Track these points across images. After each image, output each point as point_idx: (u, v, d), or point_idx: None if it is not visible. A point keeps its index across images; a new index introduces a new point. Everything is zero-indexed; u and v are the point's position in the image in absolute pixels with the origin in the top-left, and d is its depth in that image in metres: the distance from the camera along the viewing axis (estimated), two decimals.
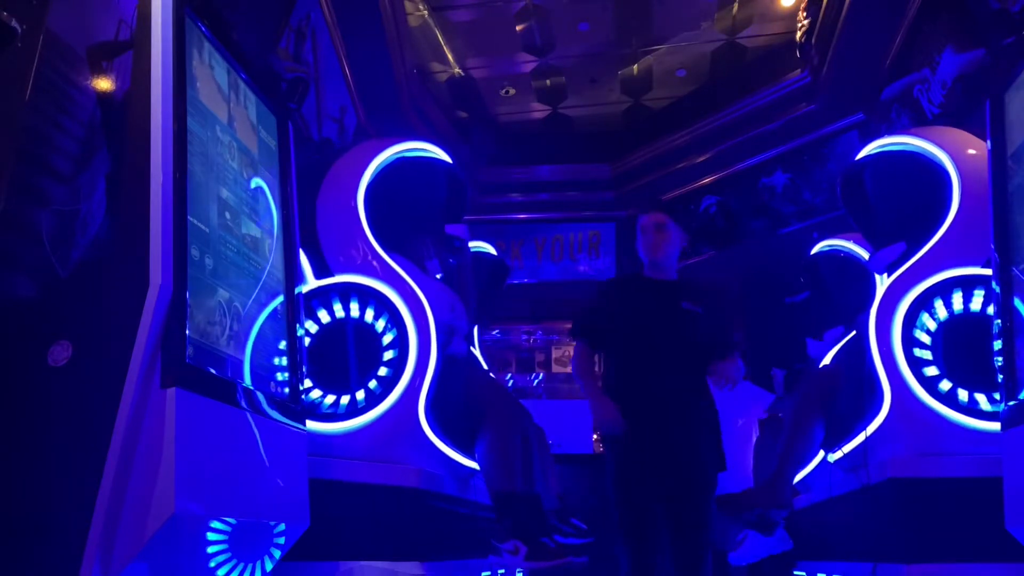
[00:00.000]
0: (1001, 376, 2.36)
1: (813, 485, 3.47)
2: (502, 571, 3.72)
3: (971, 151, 3.22)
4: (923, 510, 2.73)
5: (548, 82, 7.16)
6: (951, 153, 3.20)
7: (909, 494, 2.77)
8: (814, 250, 4.29)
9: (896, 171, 3.42)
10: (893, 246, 3.41)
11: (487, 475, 3.16)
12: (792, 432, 3.27)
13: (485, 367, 4.01)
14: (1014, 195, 2.41)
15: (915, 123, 4.66)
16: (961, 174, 3.13)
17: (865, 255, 3.88)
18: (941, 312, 2.96)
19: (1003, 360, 2.35)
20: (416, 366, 2.96)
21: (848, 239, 4.09)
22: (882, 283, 3.61)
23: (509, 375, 8.96)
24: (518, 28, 6.39)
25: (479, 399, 3.26)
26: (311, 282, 3.09)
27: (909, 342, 2.93)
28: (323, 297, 3.04)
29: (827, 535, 3.46)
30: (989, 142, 2.55)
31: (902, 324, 2.96)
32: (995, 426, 2.68)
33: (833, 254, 4.17)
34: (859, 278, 3.82)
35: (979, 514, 2.50)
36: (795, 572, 3.89)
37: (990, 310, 2.88)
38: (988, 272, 2.93)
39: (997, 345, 2.38)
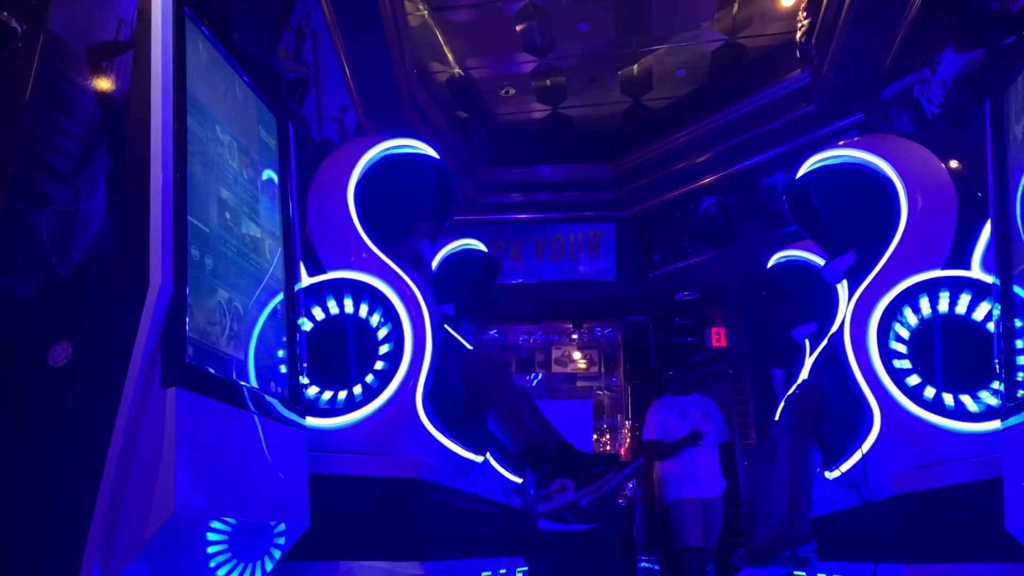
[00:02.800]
0: (1001, 376, 2.36)
1: (814, 501, 3.48)
2: (503, 571, 3.72)
3: (911, 156, 3.24)
4: (927, 522, 2.72)
5: (548, 82, 7.16)
6: (891, 160, 3.21)
7: (913, 508, 2.77)
8: (770, 263, 4.33)
9: (840, 183, 3.44)
10: (844, 256, 3.43)
11: (508, 438, 3.17)
12: (793, 464, 3.28)
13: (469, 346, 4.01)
14: (1014, 196, 2.41)
15: (915, 123, 4.66)
16: (904, 180, 3.15)
17: (820, 261, 3.91)
18: (912, 319, 2.97)
19: (1003, 359, 2.35)
20: (412, 358, 2.96)
21: (802, 248, 4.13)
22: (843, 292, 3.63)
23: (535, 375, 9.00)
24: (518, 28, 6.39)
25: (476, 382, 3.26)
26: (304, 279, 3.09)
27: (887, 354, 2.92)
28: (317, 294, 3.04)
29: (829, 542, 3.47)
30: (989, 142, 2.55)
31: (877, 337, 2.95)
32: (985, 426, 2.69)
33: (790, 264, 4.21)
34: (819, 285, 3.86)
35: (980, 516, 2.50)
36: (795, 572, 3.89)
37: (959, 309, 2.90)
38: (950, 273, 2.95)
39: (997, 344, 2.38)
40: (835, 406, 3.26)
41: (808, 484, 3.28)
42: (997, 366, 2.38)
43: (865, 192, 3.31)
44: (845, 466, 3.16)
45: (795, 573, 3.82)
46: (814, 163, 3.54)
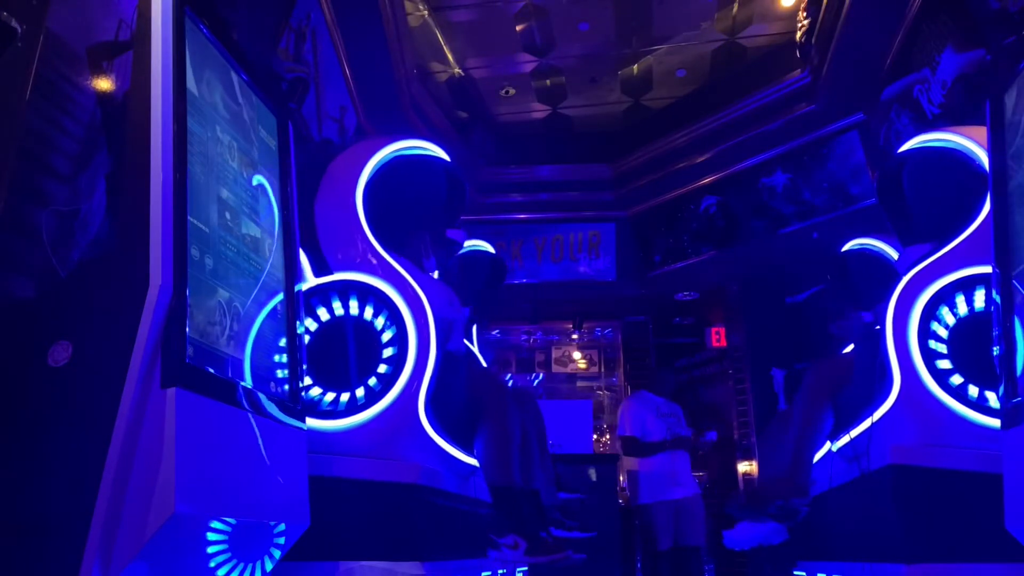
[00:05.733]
0: (1000, 375, 2.36)
1: (816, 477, 3.47)
2: (503, 571, 3.72)
3: None
4: (921, 499, 2.72)
5: (548, 82, 7.16)
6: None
7: (908, 482, 2.77)
8: (845, 247, 4.29)
9: (935, 168, 3.39)
10: (919, 245, 3.38)
11: (485, 470, 3.17)
12: (804, 421, 3.28)
13: (484, 364, 4.01)
14: (1013, 195, 2.41)
15: (915, 123, 4.66)
16: None
17: (894, 255, 3.88)
18: (961, 308, 2.95)
19: (1002, 359, 2.35)
20: (415, 363, 2.96)
21: (879, 239, 4.10)
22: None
23: (509, 375, 8.98)
24: (518, 28, 6.39)
25: (477, 395, 3.26)
26: (310, 280, 3.09)
27: (925, 333, 2.92)
28: (322, 295, 3.04)
29: (827, 529, 3.46)
30: (989, 142, 2.55)
31: (920, 315, 2.94)
32: (997, 423, 2.68)
33: (863, 252, 4.17)
34: (886, 278, 3.83)
35: (980, 510, 2.50)
36: (795, 572, 3.89)
37: None
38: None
39: (996, 349, 2.38)
40: (860, 378, 3.24)
41: (813, 443, 3.27)
42: (997, 364, 2.38)
43: (955, 180, 3.25)
44: (853, 433, 3.14)
45: (795, 574, 3.81)
46: (916, 143, 3.48)
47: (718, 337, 8.20)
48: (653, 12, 6.24)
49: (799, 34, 5.84)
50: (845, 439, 3.21)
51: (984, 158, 3.15)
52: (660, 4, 6.15)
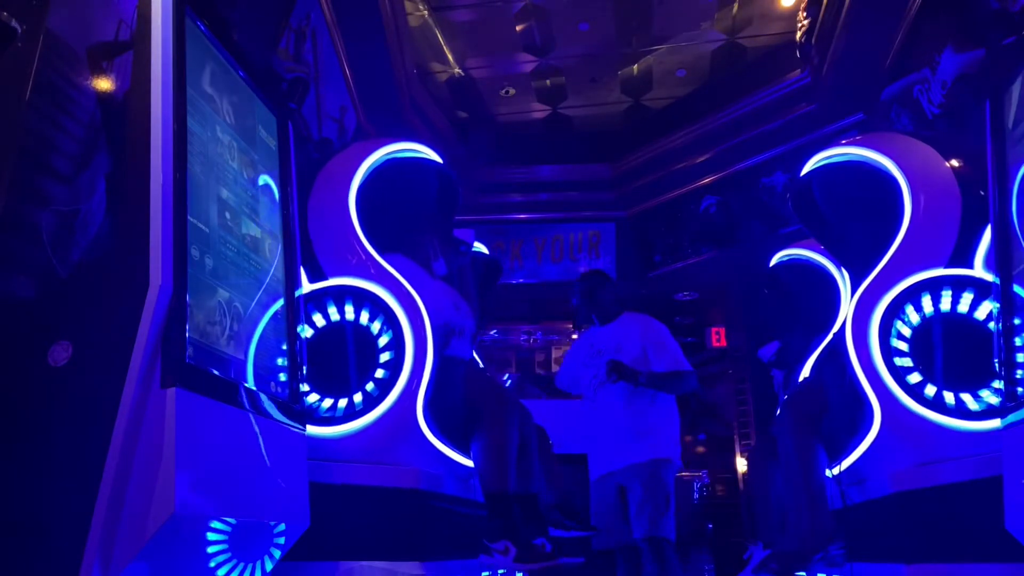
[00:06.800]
0: (1001, 374, 2.36)
1: None
2: (503, 571, 3.72)
3: (915, 154, 3.24)
4: (927, 519, 2.71)
5: (548, 82, 7.16)
6: (895, 158, 3.21)
7: (912, 506, 2.76)
8: (773, 261, 4.32)
9: (844, 181, 3.44)
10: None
11: (481, 476, 3.16)
12: (805, 468, 3.24)
13: (481, 366, 4.01)
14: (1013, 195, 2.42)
15: (915, 123, 4.66)
16: (908, 178, 3.15)
17: (824, 261, 3.92)
18: (914, 317, 2.96)
19: (1003, 358, 2.35)
20: (413, 367, 2.95)
21: (805, 247, 4.13)
22: (845, 289, 3.66)
23: (507, 375, 8.96)
24: (518, 28, 6.39)
25: (476, 399, 3.26)
26: (305, 285, 3.08)
27: (888, 352, 2.92)
28: (317, 300, 3.02)
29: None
30: (989, 142, 2.55)
31: (878, 335, 2.95)
32: (985, 425, 2.69)
33: (792, 263, 4.21)
34: (821, 284, 3.86)
35: (980, 515, 2.50)
36: (796, 572, 3.89)
37: (961, 308, 2.91)
38: (952, 272, 2.96)
39: (998, 343, 2.38)
40: (836, 403, 3.25)
41: (822, 483, 3.26)
42: (997, 364, 2.38)
43: (869, 190, 3.30)
44: (846, 463, 3.15)
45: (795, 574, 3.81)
46: (819, 161, 3.53)
47: (718, 337, 8.20)
48: (653, 12, 6.24)
49: (799, 34, 5.84)
50: (837, 469, 3.22)
51: (890, 165, 3.20)
52: (660, 4, 6.15)
